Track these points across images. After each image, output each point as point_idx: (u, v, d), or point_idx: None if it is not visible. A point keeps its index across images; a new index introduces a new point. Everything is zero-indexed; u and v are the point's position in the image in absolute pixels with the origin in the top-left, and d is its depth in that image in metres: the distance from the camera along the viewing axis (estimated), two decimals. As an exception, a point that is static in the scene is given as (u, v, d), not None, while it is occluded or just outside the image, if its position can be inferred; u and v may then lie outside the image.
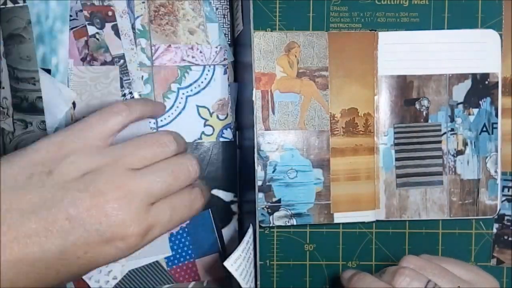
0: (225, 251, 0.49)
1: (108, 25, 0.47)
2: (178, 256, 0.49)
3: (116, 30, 0.47)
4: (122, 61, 0.47)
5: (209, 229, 0.49)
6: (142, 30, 0.48)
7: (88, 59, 0.47)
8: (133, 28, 0.47)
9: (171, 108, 0.48)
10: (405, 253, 0.51)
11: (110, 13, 0.47)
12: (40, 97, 0.45)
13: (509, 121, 0.50)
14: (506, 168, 0.50)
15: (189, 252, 0.49)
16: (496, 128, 0.50)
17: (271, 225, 0.49)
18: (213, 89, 0.49)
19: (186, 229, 0.49)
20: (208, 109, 0.49)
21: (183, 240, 0.49)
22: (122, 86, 0.47)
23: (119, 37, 0.47)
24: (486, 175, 0.50)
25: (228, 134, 0.49)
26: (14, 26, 0.45)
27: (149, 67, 0.48)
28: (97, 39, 0.47)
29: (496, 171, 0.50)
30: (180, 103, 0.48)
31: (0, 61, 0.45)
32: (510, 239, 0.51)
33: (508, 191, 0.51)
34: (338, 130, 0.49)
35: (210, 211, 0.49)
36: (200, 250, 0.49)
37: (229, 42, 0.49)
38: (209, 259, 0.49)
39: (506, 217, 0.51)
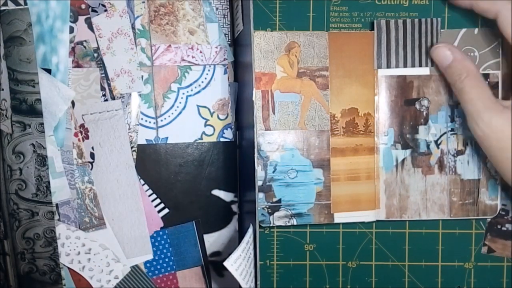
0: (208, 265, 0.50)
1: (81, 18, 0.47)
2: (159, 266, 0.49)
3: (89, 23, 0.47)
4: (96, 54, 0.47)
5: (192, 242, 0.49)
6: (142, 30, 0.48)
7: (72, 65, 0.47)
8: (133, 28, 0.47)
9: (171, 108, 0.48)
10: (405, 253, 0.51)
11: (83, 6, 0.47)
12: (39, 99, 0.46)
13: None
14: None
15: (170, 263, 0.49)
16: (496, 128, 0.50)
17: (271, 225, 0.49)
18: (213, 89, 0.49)
19: (168, 240, 0.49)
20: (209, 109, 0.49)
21: (164, 250, 0.49)
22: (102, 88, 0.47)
23: (93, 31, 0.47)
24: (486, 175, 0.50)
25: (229, 134, 0.49)
26: (15, 28, 0.45)
27: (149, 67, 0.48)
28: (84, 47, 0.47)
29: (496, 171, 0.50)
30: (180, 103, 0.48)
31: (0, 63, 0.45)
32: (503, 228, 0.51)
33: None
34: (338, 130, 0.49)
35: (194, 223, 0.49)
36: (182, 262, 0.49)
37: (229, 42, 0.49)
38: (190, 272, 0.49)
39: (500, 207, 0.51)
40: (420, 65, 0.49)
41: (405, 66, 0.49)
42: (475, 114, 0.42)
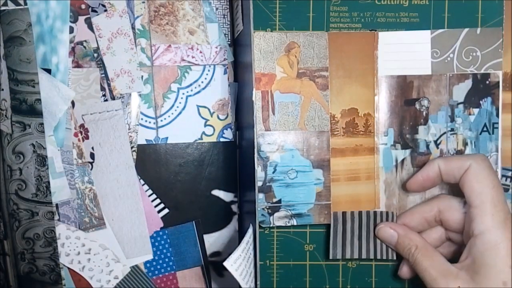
0: (208, 265, 0.50)
1: (81, 19, 0.47)
2: (159, 266, 0.49)
3: (89, 23, 0.47)
4: (96, 54, 0.47)
5: (192, 242, 0.49)
6: (142, 30, 0.48)
7: (72, 65, 0.47)
8: (133, 28, 0.47)
9: (171, 108, 0.48)
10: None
11: (83, 6, 0.47)
12: (39, 100, 0.46)
13: (509, 116, 0.50)
14: (507, 163, 0.50)
15: (170, 263, 0.49)
16: (497, 128, 0.49)
17: (271, 225, 0.49)
18: (213, 89, 0.49)
19: (168, 240, 0.49)
20: (209, 109, 0.49)
21: (164, 250, 0.49)
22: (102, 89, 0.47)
23: (93, 31, 0.47)
24: (486, 175, 0.50)
25: (229, 134, 0.49)
26: (15, 28, 0.45)
27: (149, 67, 0.48)
28: (84, 47, 0.47)
29: (496, 171, 0.50)
30: (180, 103, 0.48)
31: (0, 63, 0.46)
32: None
33: (506, 180, 0.50)
34: (338, 131, 0.49)
35: (194, 224, 0.49)
36: (182, 262, 0.49)
37: (229, 42, 0.49)
38: (190, 272, 0.49)
39: None
40: (375, 255, 0.49)
41: (359, 257, 0.49)
42: (432, 283, 0.44)
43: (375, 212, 0.49)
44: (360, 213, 0.49)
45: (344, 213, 0.49)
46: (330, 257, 0.49)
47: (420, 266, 0.45)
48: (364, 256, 0.49)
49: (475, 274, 0.42)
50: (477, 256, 0.42)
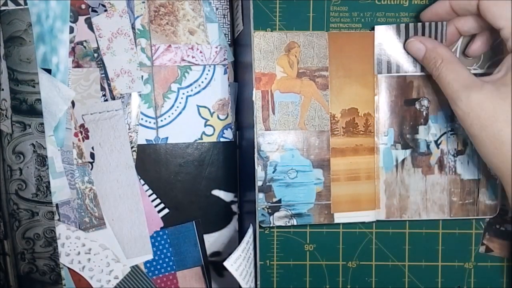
0: (208, 265, 0.50)
1: (81, 19, 0.47)
2: (159, 266, 0.49)
3: (89, 23, 0.47)
4: (96, 54, 0.47)
5: (192, 242, 0.49)
6: (142, 30, 0.48)
7: (72, 65, 0.47)
8: (133, 28, 0.47)
9: (171, 108, 0.48)
10: (405, 253, 0.51)
11: (83, 6, 0.47)
12: (39, 100, 0.46)
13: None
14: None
15: (170, 263, 0.49)
16: (497, 128, 0.49)
17: (271, 225, 0.49)
18: (213, 89, 0.49)
19: (168, 240, 0.49)
20: (209, 109, 0.49)
21: (164, 250, 0.49)
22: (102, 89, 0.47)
23: (93, 31, 0.47)
24: (486, 175, 0.50)
25: (229, 134, 0.49)
26: (15, 28, 0.45)
27: (149, 67, 0.48)
28: (84, 47, 0.47)
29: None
30: (180, 103, 0.48)
31: (0, 63, 0.45)
32: (501, 228, 0.51)
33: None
34: (338, 130, 0.49)
35: (194, 224, 0.49)
36: (182, 262, 0.49)
37: (229, 42, 0.49)
38: (190, 272, 0.50)
39: (499, 206, 0.51)
40: (423, 71, 0.49)
41: (406, 72, 0.49)
42: (454, 95, 0.42)
43: (423, 24, 0.47)
44: (407, 25, 0.48)
45: (386, 28, 0.48)
46: (375, 72, 0.49)
47: (444, 79, 0.43)
48: (410, 70, 0.48)
49: (503, 86, 0.40)
50: (510, 68, 0.41)
